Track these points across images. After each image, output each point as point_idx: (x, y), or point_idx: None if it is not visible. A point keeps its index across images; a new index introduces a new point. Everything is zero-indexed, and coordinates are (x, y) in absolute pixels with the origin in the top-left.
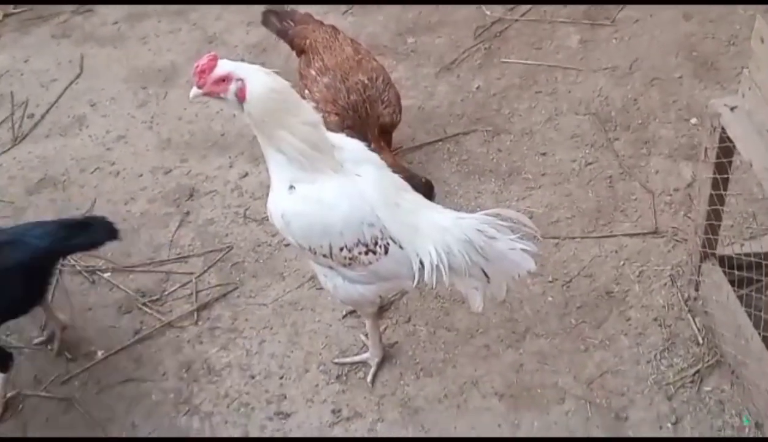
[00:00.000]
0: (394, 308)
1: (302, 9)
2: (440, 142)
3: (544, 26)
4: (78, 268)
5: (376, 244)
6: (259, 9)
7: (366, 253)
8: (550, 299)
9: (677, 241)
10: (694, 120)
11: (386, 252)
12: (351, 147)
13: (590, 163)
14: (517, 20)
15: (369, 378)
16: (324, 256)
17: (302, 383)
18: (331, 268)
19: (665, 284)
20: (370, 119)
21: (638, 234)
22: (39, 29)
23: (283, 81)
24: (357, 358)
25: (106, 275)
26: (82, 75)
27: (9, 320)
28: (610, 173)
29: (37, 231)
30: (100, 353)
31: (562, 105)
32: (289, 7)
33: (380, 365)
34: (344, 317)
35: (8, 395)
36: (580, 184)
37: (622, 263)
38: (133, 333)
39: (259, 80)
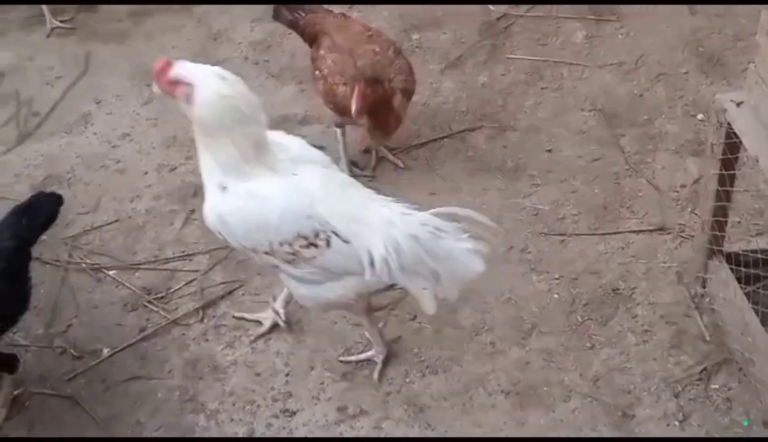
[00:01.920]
0: (400, 306)
1: None
2: (445, 139)
3: (549, 22)
4: (83, 266)
5: (317, 236)
6: (263, 6)
7: (308, 246)
8: (556, 296)
9: (684, 237)
10: (700, 116)
11: (328, 245)
12: (295, 148)
13: (596, 160)
14: (522, 16)
15: (375, 375)
16: (266, 253)
17: (308, 381)
18: (276, 267)
19: (672, 281)
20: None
21: (645, 231)
22: (43, 27)
23: (239, 90)
24: (362, 356)
25: (111, 272)
26: (87, 72)
27: (11, 326)
28: (616, 170)
29: (5, 233)
30: (105, 351)
31: (567, 101)
32: None
33: (385, 362)
34: None
35: (15, 392)
36: (586, 180)
37: (628, 259)
38: (138, 331)
39: (210, 91)
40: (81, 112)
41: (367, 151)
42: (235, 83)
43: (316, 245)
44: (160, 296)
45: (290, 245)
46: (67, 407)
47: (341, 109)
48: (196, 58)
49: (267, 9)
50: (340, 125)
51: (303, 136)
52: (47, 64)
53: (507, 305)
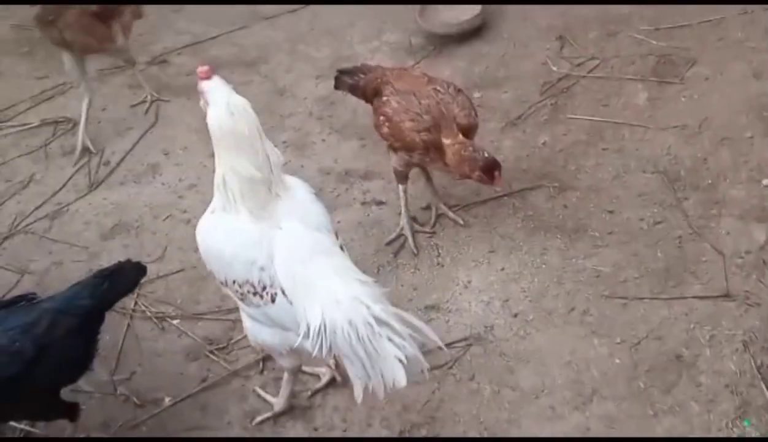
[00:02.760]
0: (458, 365)
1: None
2: (505, 197)
3: (611, 83)
4: (148, 314)
5: (264, 289)
6: (327, 63)
7: (254, 294)
8: (617, 361)
9: (749, 305)
10: (765, 181)
11: (273, 301)
12: (297, 199)
13: (659, 223)
14: (584, 76)
15: (257, 420)
16: (221, 283)
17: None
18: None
19: (737, 350)
20: (445, 119)
21: (709, 297)
22: (116, 79)
23: (239, 126)
24: (267, 396)
25: (175, 321)
26: (157, 124)
27: (75, 381)
28: (679, 233)
29: (85, 292)
30: (167, 400)
31: (629, 162)
32: (359, 63)
33: (277, 416)
34: None
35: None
36: (649, 243)
37: (692, 326)
38: (200, 381)
39: (213, 113)
40: (150, 162)
41: (427, 207)
42: (237, 121)
43: (261, 296)
44: (221, 346)
45: (240, 285)
46: None
47: (408, 145)
48: (261, 113)
49: (331, 67)
50: (403, 175)
51: (365, 191)
52: (119, 115)
53: (567, 368)
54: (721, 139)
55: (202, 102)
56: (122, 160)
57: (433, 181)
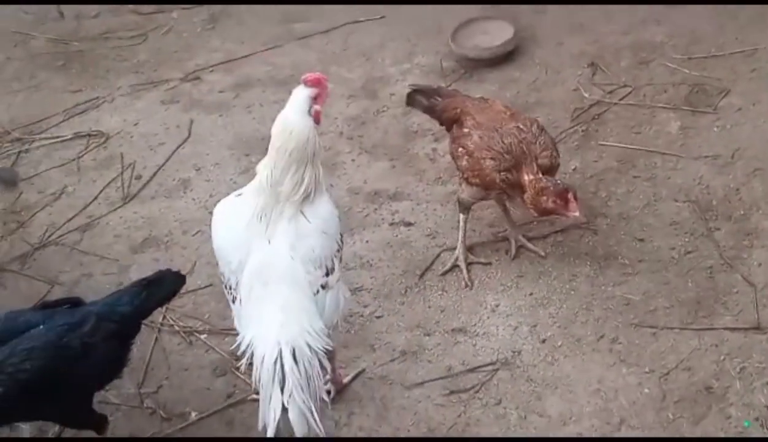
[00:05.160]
0: (484, 389)
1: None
2: (535, 223)
3: (643, 111)
4: (176, 328)
5: (229, 289)
6: (359, 83)
7: (225, 286)
8: (646, 390)
9: None
10: None
11: (233, 302)
12: (302, 225)
13: (690, 252)
14: (615, 104)
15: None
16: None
17: None
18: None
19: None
20: (527, 158)
21: (740, 328)
22: (149, 94)
23: (277, 138)
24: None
25: (202, 336)
26: (189, 140)
27: (106, 385)
28: (710, 263)
29: (125, 299)
30: (193, 415)
31: (660, 191)
32: (435, 85)
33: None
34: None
35: None
36: (679, 273)
37: (722, 357)
38: (226, 396)
39: (279, 119)
40: (181, 177)
41: (504, 239)
42: (278, 133)
43: (228, 291)
44: (248, 362)
45: (222, 270)
46: None
47: (487, 183)
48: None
49: (363, 87)
50: (468, 206)
51: (394, 212)
52: (151, 130)
53: (595, 396)
54: (754, 169)
55: None
56: (154, 174)
57: (510, 212)
